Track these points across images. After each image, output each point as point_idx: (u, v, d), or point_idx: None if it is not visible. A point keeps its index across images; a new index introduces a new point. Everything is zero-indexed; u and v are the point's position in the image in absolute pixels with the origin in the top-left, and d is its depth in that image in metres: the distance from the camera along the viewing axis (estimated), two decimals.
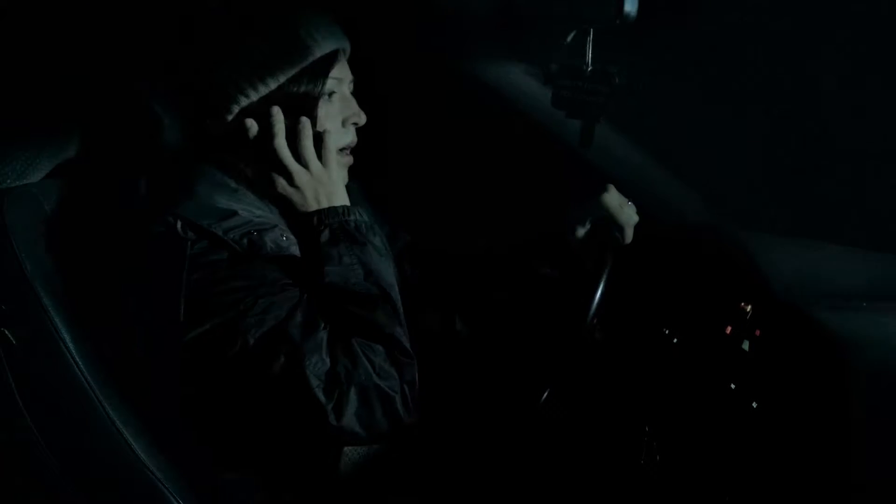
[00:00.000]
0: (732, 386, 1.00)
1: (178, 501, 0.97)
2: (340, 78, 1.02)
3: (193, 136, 1.03)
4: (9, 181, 0.97)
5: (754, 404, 0.95)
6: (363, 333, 0.89)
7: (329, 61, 0.99)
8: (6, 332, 0.93)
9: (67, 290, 0.97)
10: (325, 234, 0.95)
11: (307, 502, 1.01)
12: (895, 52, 1.22)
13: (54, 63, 1.14)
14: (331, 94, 1.01)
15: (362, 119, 1.05)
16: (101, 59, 1.14)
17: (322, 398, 0.84)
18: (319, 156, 1.00)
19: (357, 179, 1.21)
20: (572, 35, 1.09)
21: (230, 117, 0.98)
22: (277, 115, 0.97)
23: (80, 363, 0.94)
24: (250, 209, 0.95)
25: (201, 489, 1.00)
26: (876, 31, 1.24)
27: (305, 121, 0.98)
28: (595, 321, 1.05)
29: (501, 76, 1.41)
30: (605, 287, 1.04)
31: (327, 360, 0.86)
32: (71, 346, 0.94)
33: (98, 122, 1.08)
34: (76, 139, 1.05)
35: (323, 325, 0.89)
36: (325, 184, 0.99)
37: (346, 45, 1.03)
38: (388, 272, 0.98)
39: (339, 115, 1.03)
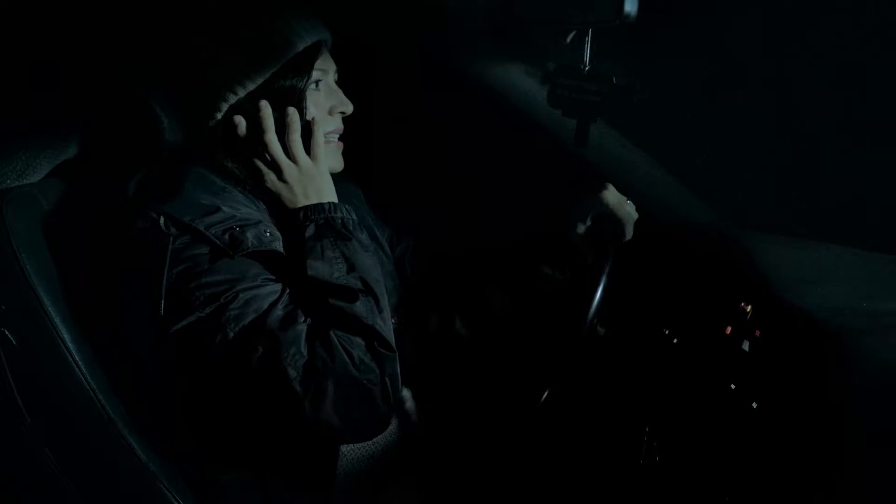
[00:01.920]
0: (732, 386, 1.00)
1: (177, 501, 0.97)
2: (324, 69, 1.03)
3: (183, 136, 1.03)
4: (9, 181, 0.97)
5: (754, 404, 0.95)
6: (343, 326, 0.89)
7: (312, 53, 1.00)
8: (6, 332, 0.92)
9: (67, 290, 0.97)
10: (311, 229, 0.96)
11: (306, 501, 1.01)
12: (894, 52, 1.22)
13: (54, 63, 1.14)
14: (317, 83, 1.02)
15: (349, 108, 1.06)
16: (101, 59, 1.13)
17: (299, 389, 0.84)
18: (308, 148, 1.00)
19: (358, 183, 1.21)
20: (572, 35, 1.09)
21: (219, 115, 0.98)
22: (266, 108, 0.98)
23: (80, 363, 0.94)
24: (235, 206, 0.95)
25: (201, 488, 1.00)
26: (876, 30, 1.24)
27: (293, 111, 0.99)
28: (595, 320, 1.05)
29: (501, 76, 1.41)
30: (606, 283, 1.04)
31: (305, 353, 0.86)
32: (71, 345, 0.94)
33: (98, 122, 1.08)
34: (76, 139, 1.05)
35: (303, 318, 0.89)
36: (313, 178, 1.00)
37: (328, 37, 1.04)
38: (372, 268, 0.98)
39: (326, 104, 1.04)
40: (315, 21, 1.01)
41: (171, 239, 0.88)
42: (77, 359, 0.94)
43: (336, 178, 1.06)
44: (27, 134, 1.02)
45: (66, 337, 0.94)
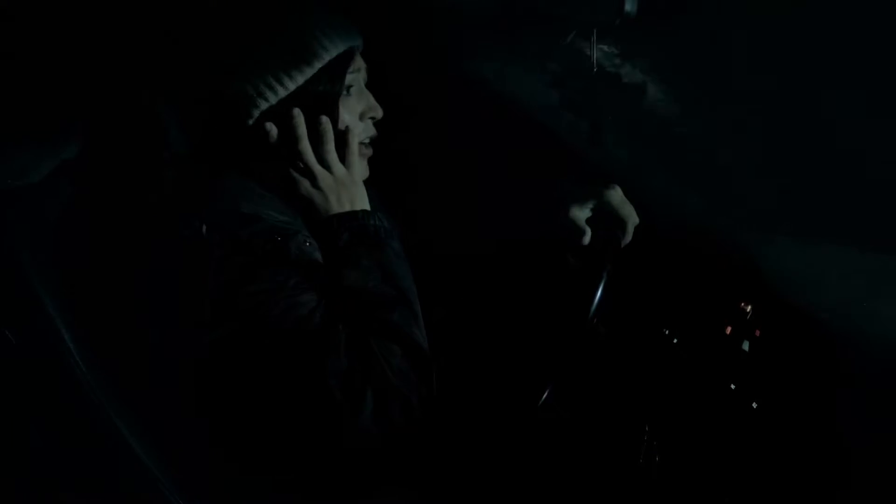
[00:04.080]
0: (732, 386, 1.00)
1: (178, 502, 0.97)
2: (356, 73, 1.03)
3: (215, 142, 1.03)
4: (9, 181, 0.97)
5: (754, 404, 0.96)
6: (381, 335, 0.90)
7: (345, 60, 1.00)
8: (6, 332, 0.92)
9: (67, 290, 0.97)
10: (345, 238, 0.96)
11: (306, 495, 1.01)
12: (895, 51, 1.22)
13: (55, 63, 1.14)
14: (348, 89, 1.02)
15: (379, 113, 1.06)
16: (103, 59, 1.13)
17: (339, 397, 0.85)
18: (342, 156, 1.00)
19: (375, 185, 1.21)
20: (572, 35, 1.09)
21: (251, 121, 0.98)
22: (299, 117, 0.97)
23: (80, 363, 0.94)
24: (275, 214, 0.96)
25: (201, 489, 1.00)
26: (876, 30, 1.24)
27: (326, 121, 0.98)
28: (595, 319, 1.05)
29: (501, 76, 1.41)
30: (606, 282, 1.04)
31: (345, 361, 0.86)
32: (71, 346, 0.94)
33: (99, 123, 1.08)
34: (76, 139, 1.05)
35: (342, 326, 0.89)
36: (347, 186, 1.00)
37: (360, 43, 1.04)
38: (406, 275, 0.98)
39: (357, 108, 1.04)
40: (348, 27, 1.01)
41: (214, 247, 0.89)
42: (77, 359, 0.94)
43: None
44: (27, 134, 1.02)
45: (66, 337, 0.94)
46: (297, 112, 0.97)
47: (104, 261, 0.97)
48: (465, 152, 1.48)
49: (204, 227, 0.89)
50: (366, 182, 1.10)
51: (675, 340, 1.13)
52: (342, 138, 1.00)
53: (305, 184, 0.99)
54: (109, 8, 1.12)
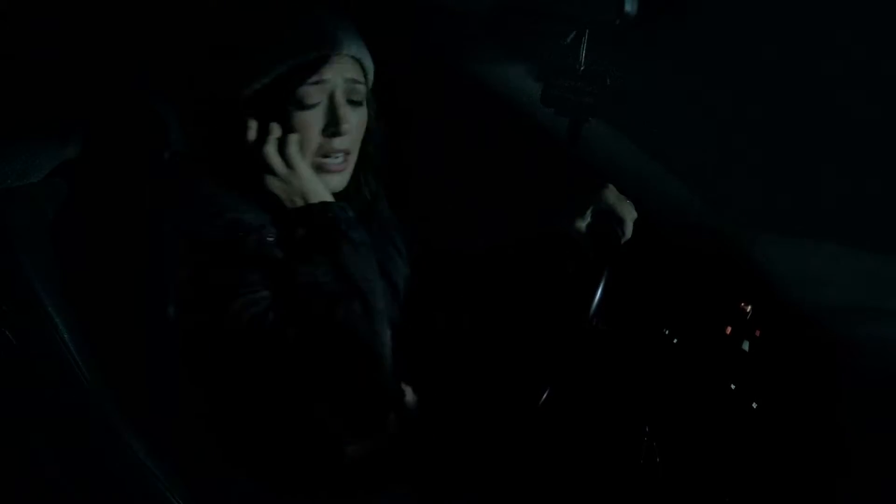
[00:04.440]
0: (732, 386, 1.00)
1: (178, 502, 0.97)
2: (323, 82, 0.98)
3: (187, 139, 1.04)
4: (9, 181, 0.97)
5: (754, 404, 0.96)
6: (331, 331, 0.91)
7: (312, 67, 0.97)
8: (6, 332, 0.93)
9: (67, 290, 0.97)
10: (300, 232, 0.97)
11: (305, 494, 1.01)
12: (895, 52, 1.22)
13: (54, 63, 1.14)
14: (307, 100, 0.98)
15: (340, 128, 0.99)
16: (102, 58, 1.13)
17: (286, 396, 0.88)
18: (287, 161, 0.99)
19: (379, 178, 1.20)
20: (572, 35, 1.09)
21: (215, 122, 0.99)
22: (247, 121, 0.97)
23: (80, 363, 0.94)
24: (241, 211, 0.96)
25: (201, 489, 1.00)
26: (876, 30, 1.24)
27: (273, 126, 0.98)
28: (595, 319, 1.05)
29: (500, 76, 1.41)
30: (606, 280, 1.04)
31: (299, 357, 0.89)
32: (71, 346, 0.94)
33: (99, 122, 1.08)
34: (76, 139, 1.05)
35: (298, 322, 0.91)
36: (292, 184, 0.98)
37: (343, 49, 0.98)
38: (365, 268, 0.97)
39: (315, 124, 0.99)
40: (322, 31, 0.98)
41: (179, 243, 0.90)
42: (77, 359, 0.94)
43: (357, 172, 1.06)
44: (27, 134, 1.02)
45: (66, 337, 0.94)
46: (247, 116, 0.97)
47: (103, 260, 0.97)
48: (465, 152, 1.48)
49: (171, 224, 0.91)
50: (371, 176, 1.10)
51: (675, 340, 1.13)
52: (284, 145, 0.98)
53: (258, 184, 0.99)
54: (109, 8, 1.12)
